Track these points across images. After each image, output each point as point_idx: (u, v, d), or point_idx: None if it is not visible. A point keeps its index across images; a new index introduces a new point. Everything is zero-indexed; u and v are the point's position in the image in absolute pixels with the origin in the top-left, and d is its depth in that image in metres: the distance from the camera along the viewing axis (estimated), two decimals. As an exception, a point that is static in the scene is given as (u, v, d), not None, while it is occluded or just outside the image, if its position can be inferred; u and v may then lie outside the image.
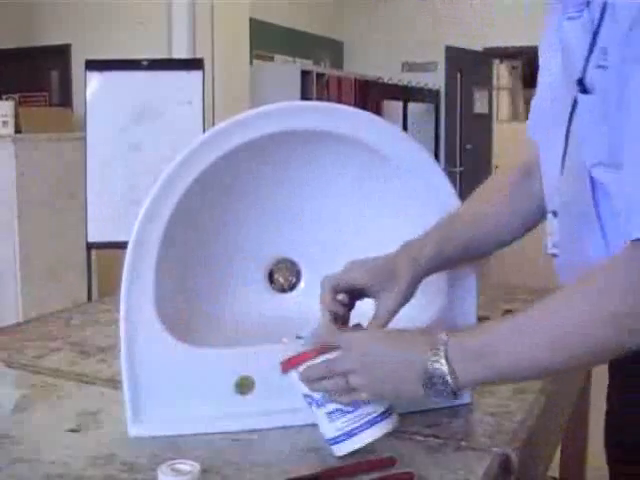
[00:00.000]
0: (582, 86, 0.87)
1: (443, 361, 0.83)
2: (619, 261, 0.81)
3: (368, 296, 1.00)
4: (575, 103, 0.91)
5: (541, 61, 1.04)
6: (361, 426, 0.89)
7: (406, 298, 0.98)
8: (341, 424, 0.89)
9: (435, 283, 1.07)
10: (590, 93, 0.86)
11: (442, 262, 1.02)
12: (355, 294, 1.00)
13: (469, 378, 0.84)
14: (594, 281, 0.82)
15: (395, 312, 0.97)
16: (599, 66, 0.84)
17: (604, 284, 0.81)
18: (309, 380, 0.90)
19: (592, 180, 0.88)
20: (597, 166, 0.87)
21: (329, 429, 0.91)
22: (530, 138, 1.08)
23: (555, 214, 0.99)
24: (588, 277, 0.83)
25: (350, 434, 0.89)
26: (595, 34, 0.86)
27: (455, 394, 0.84)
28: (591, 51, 0.87)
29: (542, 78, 1.04)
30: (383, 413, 0.90)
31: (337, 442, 0.90)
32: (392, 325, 0.98)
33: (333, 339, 0.91)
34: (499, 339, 0.84)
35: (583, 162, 0.89)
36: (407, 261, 0.99)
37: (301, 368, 0.90)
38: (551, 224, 1.00)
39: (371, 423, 0.89)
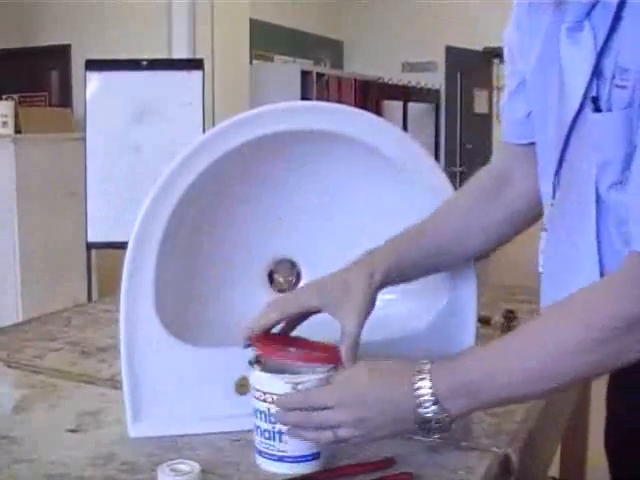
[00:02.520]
0: (596, 104, 0.85)
1: (434, 407, 0.82)
2: (623, 272, 0.79)
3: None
4: (576, 118, 0.88)
5: (512, 52, 1.01)
6: (291, 457, 0.88)
7: (365, 312, 0.94)
8: (272, 445, 0.88)
9: (435, 283, 1.07)
10: (605, 111, 0.84)
11: (401, 274, 0.99)
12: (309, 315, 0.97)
13: (463, 412, 0.84)
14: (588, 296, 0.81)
15: (359, 329, 0.92)
16: (618, 86, 0.82)
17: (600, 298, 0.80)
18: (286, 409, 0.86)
19: (598, 202, 0.85)
20: (614, 187, 0.84)
21: (260, 441, 0.90)
22: (506, 142, 1.05)
23: (545, 229, 0.97)
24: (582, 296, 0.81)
25: (280, 458, 0.88)
26: (600, 54, 0.83)
27: (450, 425, 0.84)
28: (597, 69, 0.84)
29: (515, 76, 1.01)
30: (315, 454, 0.89)
31: (261, 454, 0.90)
32: (392, 327, 0.98)
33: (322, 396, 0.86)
34: (489, 370, 0.82)
35: (585, 182, 0.86)
36: (360, 275, 0.94)
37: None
38: (542, 240, 0.98)
39: (299, 460, 0.88)
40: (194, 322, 1.07)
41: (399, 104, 7.24)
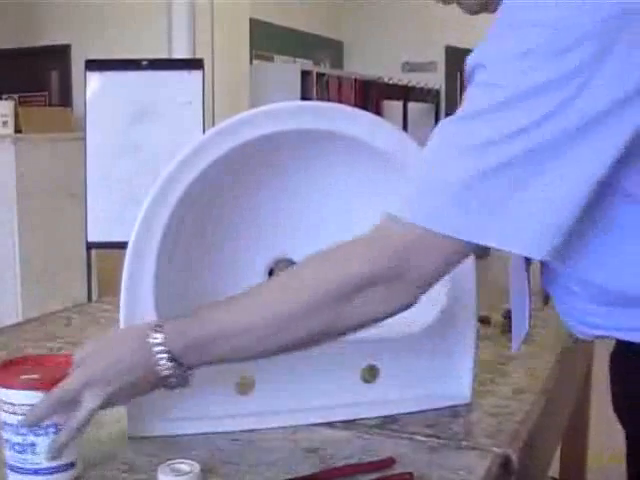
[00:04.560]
0: None
1: (171, 364, 0.85)
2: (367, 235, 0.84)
3: None
4: None
5: None
6: (46, 469, 0.86)
7: None
8: (25, 458, 0.86)
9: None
10: None
11: None
12: None
13: (198, 364, 0.88)
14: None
15: None
16: None
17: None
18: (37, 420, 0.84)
19: None
20: None
21: (12, 456, 0.87)
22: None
23: None
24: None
25: (35, 472, 0.86)
26: None
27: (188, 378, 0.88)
28: None
29: None
30: (70, 463, 0.88)
31: (13, 469, 0.87)
32: (392, 327, 0.98)
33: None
34: (217, 326, 0.87)
35: None
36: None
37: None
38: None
39: (54, 470, 0.86)
40: (194, 322, 1.07)
41: (399, 104, 7.25)
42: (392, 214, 0.82)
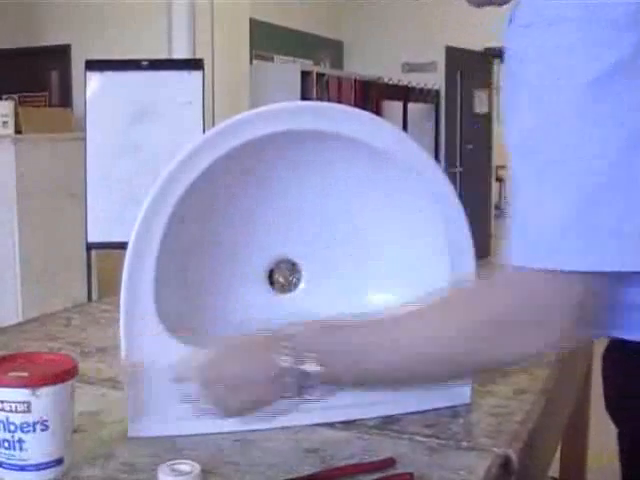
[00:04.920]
0: None
1: (292, 353, 0.82)
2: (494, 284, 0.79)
3: None
4: None
5: None
6: (33, 465, 0.86)
7: None
8: (13, 454, 0.86)
9: (435, 283, 1.07)
10: None
11: None
12: None
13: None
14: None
15: None
16: None
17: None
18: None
19: None
20: None
21: None
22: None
23: None
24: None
25: (22, 467, 0.86)
26: None
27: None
28: None
29: None
30: (58, 459, 0.88)
31: (1, 465, 0.87)
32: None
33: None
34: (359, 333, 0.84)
35: None
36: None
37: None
38: None
39: (42, 467, 0.86)
40: (194, 322, 1.07)
41: (399, 104, 7.25)
42: (513, 264, 0.76)
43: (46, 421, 0.86)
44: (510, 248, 0.76)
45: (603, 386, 1.01)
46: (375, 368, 0.84)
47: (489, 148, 7.97)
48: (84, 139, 3.45)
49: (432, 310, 0.84)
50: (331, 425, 1.02)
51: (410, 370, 0.84)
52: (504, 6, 0.95)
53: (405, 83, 7.44)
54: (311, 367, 0.82)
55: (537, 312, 0.75)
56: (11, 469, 0.86)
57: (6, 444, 0.86)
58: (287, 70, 6.36)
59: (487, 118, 8.01)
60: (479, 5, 0.95)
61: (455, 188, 1.06)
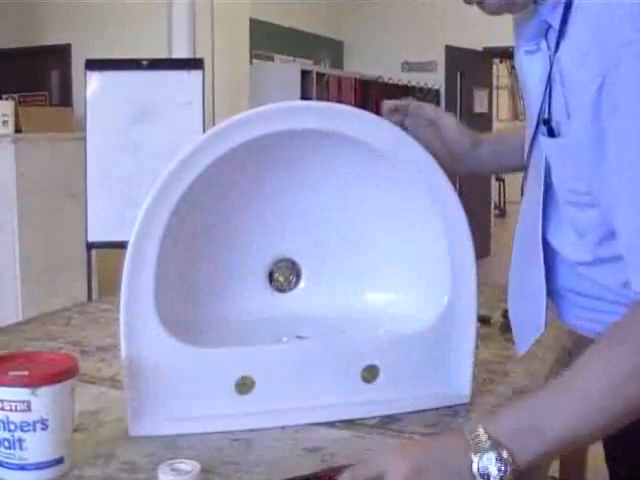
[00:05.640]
0: (548, 126, 0.87)
1: (490, 454, 0.73)
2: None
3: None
4: (535, 137, 0.92)
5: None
6: (33, 464, 0.86)
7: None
8: (13, 453, 0.86)
9: (435, 283, 1.07)
10: (556, 137, 0.87)
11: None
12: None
13: (529, 454, 0.74)
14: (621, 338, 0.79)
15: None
16: (568, 114, 0.84)
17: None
18: None
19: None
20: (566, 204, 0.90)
21: None
22: None
23: None
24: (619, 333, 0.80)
25: (21, 467, 0.86)
26: (549, 74, 0.86)
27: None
28: (550, 90, 0.87)
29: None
30: (58, 459, 0.88)
31: (1, 465, 0.87)
32: (393, 327, 0.98)
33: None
34: (544, 404, 0.77)
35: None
36: None
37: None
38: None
39: (42, 466, 0.86)
40: (194, 322, 1.07)
41: (399, 104, 7.23)
42: None
43: (46, 420, 0.86)
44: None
45: None
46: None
47: (489, 148, 7.95)
48: (84, 139, 3.44)
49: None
50: (331, 425, 1.02)
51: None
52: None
53: (405, 83, 7.45)
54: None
55: None
56: (11, 468, 0.86)
57: (6, 443, 0.86)
58: (287, 70, 6.36)
59: (487, 117, 8.02)
60: (494, 13, 0.94)
61: (455, 188, 1.06)
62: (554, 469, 1.93)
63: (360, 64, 7.81)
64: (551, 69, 0.86)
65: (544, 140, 0.90)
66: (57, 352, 0.91)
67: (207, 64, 3.75)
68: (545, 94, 0.88)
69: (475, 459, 0.73)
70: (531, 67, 0.92)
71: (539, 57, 0.90)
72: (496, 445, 0.73)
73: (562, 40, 0.84)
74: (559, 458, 1.95)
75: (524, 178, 1.01)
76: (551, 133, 0.88)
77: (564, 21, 0.83)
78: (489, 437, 0.74)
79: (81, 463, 0.91)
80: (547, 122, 0.88)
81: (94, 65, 3.49)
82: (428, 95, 7.61)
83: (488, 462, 0.73)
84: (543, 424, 0.75)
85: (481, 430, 0.74)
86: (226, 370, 1.02)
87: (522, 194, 1.04)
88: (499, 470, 0.72)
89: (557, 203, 0.94)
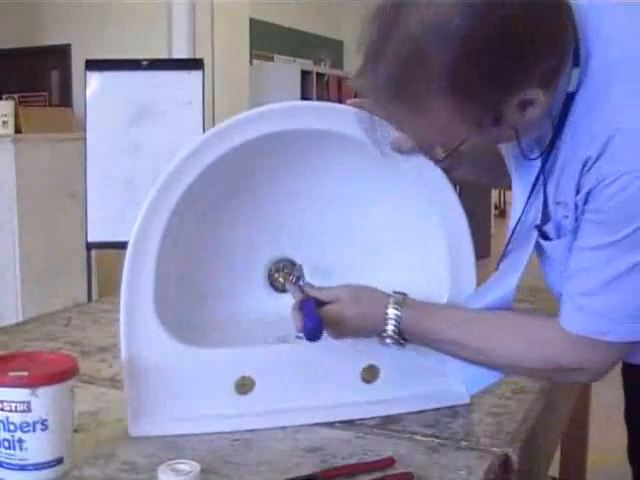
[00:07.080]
0: (541, 233, 0.94)
1: (395, 336, 0.98)
2: (569, 339, 0.91)
3: None
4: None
5: None
6: (33, 465, 0.86)
7: None
8: (13, 454, 0.86)
9: (435, 283, 1.07)
10: (552, 239, 0.93)
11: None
12: None
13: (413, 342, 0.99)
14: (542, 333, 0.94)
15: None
16: (565, 216, 0.90)
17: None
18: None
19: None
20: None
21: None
22: None
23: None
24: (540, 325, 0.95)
25: (22, 467, 0.86)
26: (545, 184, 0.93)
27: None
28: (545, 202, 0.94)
29: None
30: (58, 459, 0.88)
31: (1, 465, 0.87)
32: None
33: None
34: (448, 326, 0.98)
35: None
36: None
37: None
38: None
39: (42, 466, 0.87)
40: (194, 322, 1.07)
41: (399, 104, 7.23)
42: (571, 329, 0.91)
43: (46, 421, 0.86)
44: (569, 315, 0.91)
45: (625, 399, 1.05)
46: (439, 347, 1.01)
47: (489, 148, 7.95)
48: (84, 139, 3.44)
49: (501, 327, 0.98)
50: (331, 425, 1.02)
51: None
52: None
53: (405, 83, 7.43)
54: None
55: (586, 366, 0.93)
56: (11, 469, 0.86)
57: (6, 444, 0.86)
58: (287, 70, 6.37)
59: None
60: (440, 165, 1.03)
61: (455, 188, 1.06)
62: (554, 469, 1.93)
63: (360, 64, 7.80)
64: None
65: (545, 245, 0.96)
66: (57, 352, 0.91)
67: (207, 64, 3.75)
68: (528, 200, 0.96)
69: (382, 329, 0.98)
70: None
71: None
72: (398, 332, 0.98)
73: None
74: (559, 458, 1.95)
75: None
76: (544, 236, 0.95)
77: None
78: (397, 327, 0.98)
79: (81, 463, 0.91)
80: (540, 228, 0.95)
81: (94, 65, 3.49)
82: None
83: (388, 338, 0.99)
84: (430, 335, 0.99)
85: (395, 318, 0.98)
86: (226, 370, 1.02)
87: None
88: (393, 342, 0.98)
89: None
